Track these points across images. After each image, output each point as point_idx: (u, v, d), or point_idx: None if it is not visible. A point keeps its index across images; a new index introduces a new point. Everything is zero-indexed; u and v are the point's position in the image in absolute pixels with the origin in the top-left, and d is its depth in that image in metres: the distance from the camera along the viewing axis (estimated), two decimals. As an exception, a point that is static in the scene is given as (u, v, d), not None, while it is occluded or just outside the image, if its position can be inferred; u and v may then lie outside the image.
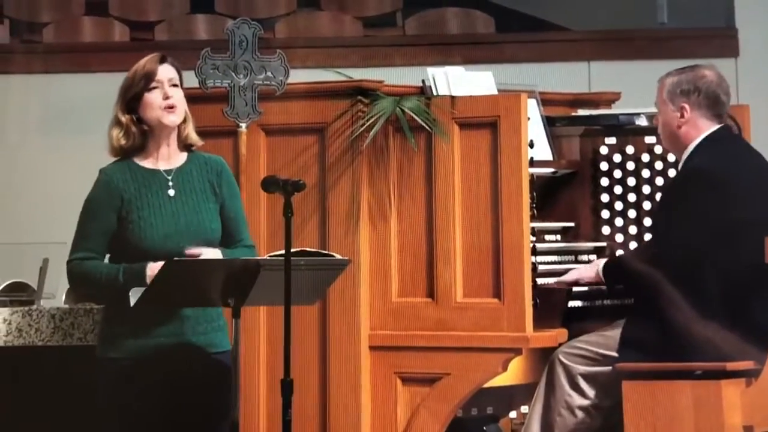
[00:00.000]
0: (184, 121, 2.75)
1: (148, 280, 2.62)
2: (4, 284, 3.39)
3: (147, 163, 2.75)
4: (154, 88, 2.70)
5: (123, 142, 2.72)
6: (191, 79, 3.16)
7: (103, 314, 2.75)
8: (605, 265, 3.20)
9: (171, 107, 2.70)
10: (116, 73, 5.35)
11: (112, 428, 2.66)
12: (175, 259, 2.61)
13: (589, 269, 3.21)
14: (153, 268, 2.63)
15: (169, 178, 2.72)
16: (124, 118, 2.71)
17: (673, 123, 3.16)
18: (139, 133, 2.72)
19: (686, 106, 3.13)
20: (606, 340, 3.16)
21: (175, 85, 2.73)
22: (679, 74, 3.17)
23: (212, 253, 2.66)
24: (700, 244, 3.06)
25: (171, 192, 2.71)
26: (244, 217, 2.80)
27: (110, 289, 2.66)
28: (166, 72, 2.72)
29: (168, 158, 2.74)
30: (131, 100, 2.71)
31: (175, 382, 2.67)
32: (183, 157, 2.77)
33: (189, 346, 2.68)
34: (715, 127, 3.15)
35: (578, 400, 3.14)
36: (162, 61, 2.73)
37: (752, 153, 3.21)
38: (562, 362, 3.16)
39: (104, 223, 2.69)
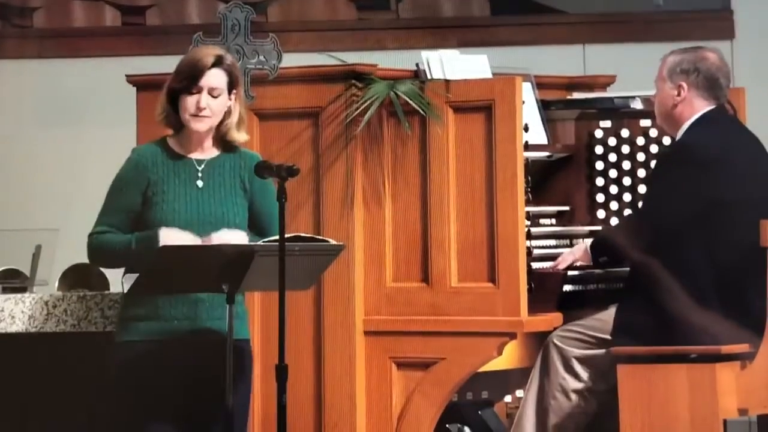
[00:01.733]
0: (228, 117, 2.72)
1: (161, 245, 2.61)
2: (-3, 271, 3.38)
3: (179, 149, 2.74)
4: (194, 93, 2.69)
5: (163, 122, 2.74)
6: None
7: (123, 298, 2.75)
8: (592, 243, 3.19)
9: (200, 117, 2.69)
10: (107, 58, 5.34)
11: (128, 411, 2.65)
12: (166, 245, 2.60)
13: (579, 250, 3.21)
14: (166, 232, 2.63)
15: (200, 168, 2.72)
16: (165, 104, 2.72)
17: (669, 101, 3.15)
18: (176, 121, 2.73)
19: (684, 84, 3.12)
20: (601, 323, 3.16)
21: (215, 96, 2.70)
22: (681, 54, 3.16)
23: (236, 237, 2.64)
24: (682, 218, 3.05)
25: (199, 183, 2.71)
26: (275, 214, 2.76)
27: (125, 259, 2.66)
28: (210, 80, 2.70)
29: (203, 148, 2.74)
30: (173, 91, 2.71)
31: (188, 366, 2.66)
32: (217, 149, 2.76)
33: (203, 329, 2.68)
34: (711, 107, 3.14)
35: (573, 384, 3.14)
36: (216, 64, 2.70)
37: (745, 134, 3.21)
38: (556, 345, 3.16)
39: (128, 201, 2.69)
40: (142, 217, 2.69)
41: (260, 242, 2.67)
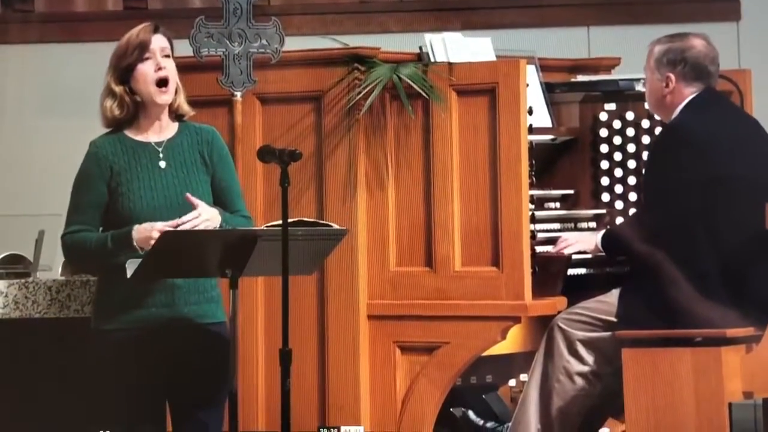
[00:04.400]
0: (176, 92, 2.71)
1: (135, 243, 2.61)
2: (0, 257, 3.38)
3: (138, 136, 2.72)
4: (147, 59, 2.67)
5: (117, 112, 2.70)
6: (185, 48, 3.12)
7: (96, 286, 2.74)
8: (603, 237, 3.18)
9: (164, 81, 2.67)
10: (109, 43, 5.29)
11: (109, 399, 2.66)
12: (170, 230, 2.59)
13: (587, 241, 3.20)
14: (139, 230, 2.62)
15: (160, 150, 2.70)
16: (117, 89, 2.69)
17: (659, 92, 3.15)
18: (132, 103, 2.69)
19: (672, 76, 3.12)
20: (605, 305, 3.15)
21: (167, 56, 2.69)
22: (667, 42, 3.15)
23: (210, 211, 2.63)
24: (687, 203, 3.04)
25: (162, 164, 2.68)
26: (239, 188, 2.77)
27: (102, 258, 2.65)
28: (158, 41, 2.69)
29: (159, 130, 2.71)
30: (124, 70, 2.68)
31: (167, 352, 2.66)
32: (174, 128, 2.74)
33: (180, 316, 2.66)
34: (698, 90, 3.12)
35: (577, 367, 3.14)
36: (155, 30, 2.70)
37: (738, 113, 3.19)
38: (561, 328, 3.16)
39: (95, 195, 2.67)
40: (110, 209, 2.67)
41: (263, 227, 2.66)
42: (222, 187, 2.73)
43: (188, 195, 2.62)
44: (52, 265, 3.38)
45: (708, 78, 3.13)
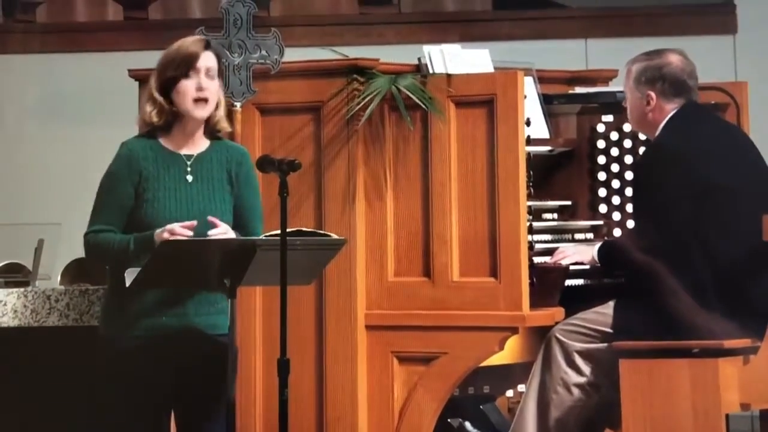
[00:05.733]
0: (216, 107, 2.72)
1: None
2: (0, 265, 3.38)
3: (169, 145, 2.73)
4: (191, 76, 2.68)
5: (155, 119, 2.71)
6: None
7: (106, 293, 2.75)
8: (599, 250, 3.19)
9: (203, 100, 2.68)
10: (110, 53, 5.32)
11: (114, 408, 2.66)
12: (168, 239, 2.60)
13: (585, 252, 3.21)
14: (161, 234, 2.62)
15: (189, 163, 2.71)
16: (158, 97, 2.70)
17: (640, 110, 3.17)
18: (170, 113, 2.70)
19: (652, 94, 3.14)
20: (603, 316, 3.15)
21: (211, 77, 2.70)
22: (644, 60, 3.17)
23: (229, 232, 2.64)
24: (677, 218, 3.06)
25: (189, 178, 2.70)
26: (261, 211, 2.78)
27: (123, 260, 2.65)
28: (206, 60, 2.70)
29: (192, 143, 2.73)
30: (167, 81, 2.69)
31: (176, 362, 2.66)
32: (206, 143, 2.76)
33: (191, 326, 2.67)
34: (679, 105, 3.14)
35: (574, 378, 3.14)
36: (206, 47, 2.70)
37: (720, 124, 3.20)
38: (558, 339, 3.16)
39: (122, 196, 2.68)
40: (132, 213, 2.68)
41: (262, 237, 2.67)
42: (244, 207, 2.74)
43: (211, 218, 2.63)
44: (52, 274, 3.39)
45: (688, 92, 3.15)
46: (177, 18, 5.18)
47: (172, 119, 2.72)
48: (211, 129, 2.75)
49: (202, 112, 2.70)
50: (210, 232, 2.62)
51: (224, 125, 2.75)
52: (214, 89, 2.71)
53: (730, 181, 3.06)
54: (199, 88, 2.68)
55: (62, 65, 4.99)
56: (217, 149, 2.75)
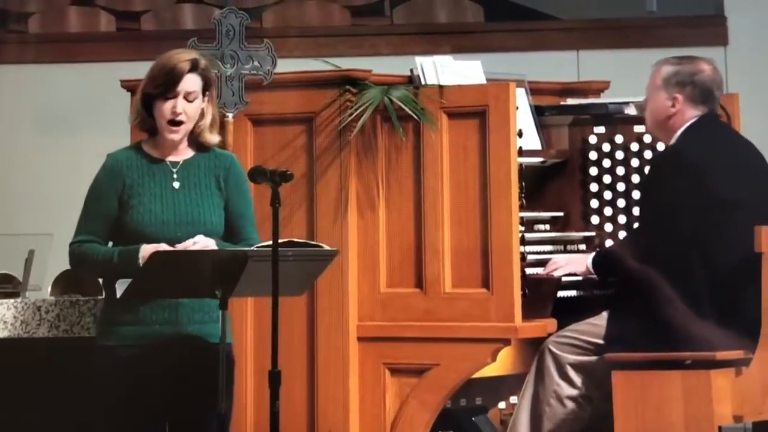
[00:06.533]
0: (201, 118, 2.72)
1: (141, 261, 2.62)
2: (-10, 276, 3.37)
3: (154, 152, 2.75)
4: (170, 98, 2.68)
5: (138, 127, 2.75)
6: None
7: (103, 302, 2.75)
8: (594, 259, 3.20)
9: (177, 123, 2.69)
10: (103, 63, 5.32)
11: (109, 417, 2.65)
12: (161, 250, 2.60)
13: (578, 263, 3.21)
14: (147, 249, 2.63)
15: (175, 170, 2.72)
16: (141, 109, 2.72)
17: (663, 112, 3.17)
18: (151, 124, 2.73)
19: (679, 97, 3.15)
20: (596, 328, 3.15)
21: (191, 100, 2.70)
22: (677, 64, 3.18)
23: (207, 242, 2.65)
24: (684, 226, 3.07)
25: (176, 184, 2.71)
26: (253, 216, 2.78)
27: (107, 271, 2.66)
28: (187, 84, 2.69)
29: (177, 152, 2.74)
30: (148, 96, 2.70)
31: (169, 370, 2.66)
32: (192, 149, 2.76)
33: (184, 334, 2.67)
34: (702, 113, 3.15)
35: (567, 390, 3.14)
36: (192, 69, 2.70)
37: (736, 138, 3.22)
38: (552, 352, 3.16)
39: (106, 206, 2.69)
40: (118, 221, 2.69)
41: (254, 247, 2.67)
42: (235, 214, 2.74)
43: (184, 243, 2.61)
44: (42, 285, 3.38)
45: (712, 102, 3.17)
46: (169, 29, 5.18)
47: (153, 129, 2.73)
48: (195, 140, 2.75)
49: (174, 136, 2.71)
50: (183, 244, 2.61)
51: (208, 136, 2.75)
52: (191, 111, 2.71)
53: (740, 196, 3.08)
54: (174, 113, 2.69)
55: (54, 75, 4.99)
56: (205, 156, 2.76)
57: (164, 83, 2.68)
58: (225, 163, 2.75)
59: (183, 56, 2.71)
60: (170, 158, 2.73)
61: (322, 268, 2.72)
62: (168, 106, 2.69)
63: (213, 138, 2.76)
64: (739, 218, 3.05)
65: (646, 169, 3.43)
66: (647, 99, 3.21)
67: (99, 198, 2.69)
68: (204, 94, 2.73)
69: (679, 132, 3.16)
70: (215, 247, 2.66)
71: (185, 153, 2.75)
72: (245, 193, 2.76)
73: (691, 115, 3.15)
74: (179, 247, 2.63)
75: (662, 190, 3.09)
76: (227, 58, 3.20)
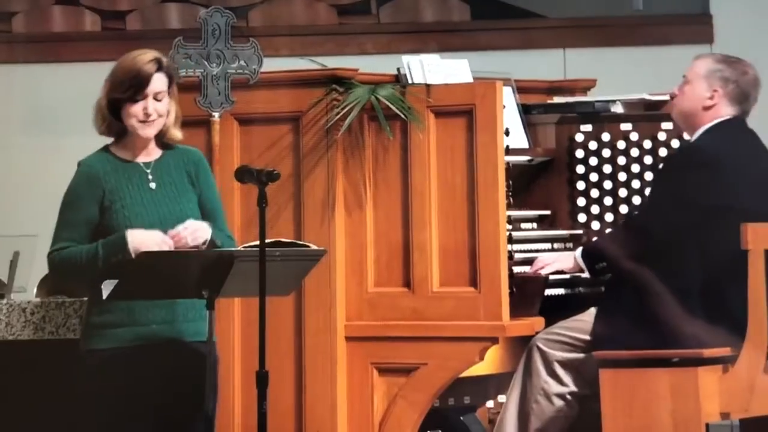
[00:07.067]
0: (167, 116, 2.72)
1: (130, 247, 2.60)
2: (-26, 278, 3.34)
3: (125, 155, 2.74)
4: (139, 100, 2.68)
5: (105, 132, 2.73)
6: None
7: (87, 306, 2.73)
8: (583, 250, 3.19)
9: (150, 121, 2.69)
10: (87, 63, 5.29)
11: (92, 421, 2.63)
12: (147, 250, 2.58)
13: (565, 259, 3.21)
14: (133, 234, 2.62)
15: (148, 171, 2.72)
16: (106, 113, 2.71)
17: (700, 102, 3.16)
18: (119, 127, 2.72)
19: (720, 91, 3.15)
20: (584, 324, 3.16)
21: (160, 99, 2.70)
22: (724, 62, 3.18)
23: (198, 223, 2.64)
24: (681, 221, 3.07)
25: (152, 185, 2.70)
26: (222, 208, 2.79)
27: (93, 269, 2.63)
28: (155, 85, 2.69)
29: (146, 151, 2.73)
30: (115, 101, 2.69)
31: (165, 369, 2.64)
32: (159, 149, 2.76)
33: (180, 333, 2.66)
34: (733, 115, 3.16)
35: (555, 388, 3.14)
36: (158, 69, 2.69)
37: (759, 147, 3.22)
38: (539, 349, 3.16)
39: (86, 213, 2.67)
40: (102, 227, 2.67)
41: (241, 247, 2.66)
42: (208, 208, 2.75)
43: (173, 231, 2.61)
44: (27, 287, 3.35)
45: (747, 106, 3.18)
46: (155, 28, 5.16)
47: (120, 131, 2.73)
48: (160, 139, 2.75)
49: (149, 131, 2.71)
50: (177, 228, 2.60)
51: (173, 133, 2.75)
52: (162, 109, 2.71)
53: (749, 204, 3.08)
54: (146, 114, 2.69)
55: (39, 75, 4.96)
56: (172, 153, 2.75)
57: (132, 87, 2.67)
58: (194, 158, 2.75)
59: (146, 57, 2.70)
60: (141, 159, 2.73)
61: (310, 267, 2.72)
62: (138, 108, 2.68)
63: (178, 134, 2.75)
64: (742, 222, 3.05)
65: (633, 166, 3.44)
66: (683, 86, 3.18)
67: (78, 206, 2.67)
68: (168, 92, 2.72)
69: (705, 127, 3.15)
70: (207, 229, 2.65)
71: (154, 152, 2.75)
72: (214, 187, 2.77)
73: (724, 112, 3.15)
74: (171, 232, 2.61)
75: (672, 182, 3.09)
76: (213, 58, 3.19)
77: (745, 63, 3.20)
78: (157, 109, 2.69)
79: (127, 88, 2.67)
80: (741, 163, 3.12)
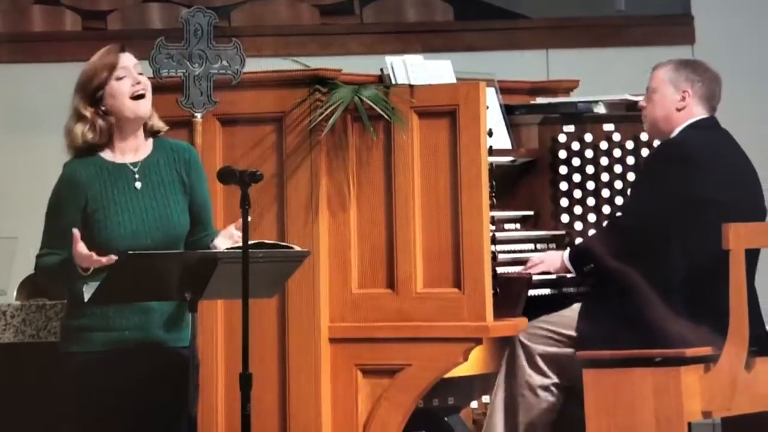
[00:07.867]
0: None
1: (77, 263, 2.56)
2: (-47, 280, 3.31)
3: (113, 157, 2.69)
4: (122, 77, 2.64)
5: (90, 137, 2.64)
6: (145, 69, 3.10)
7: (66, 309, 2.70)
8: (571, 251, 3.21)
9: (140, 96, 2.64)
10: (68, 63, 5.25)
11: (74, 425, 2.61)
12: (130, 252, 2.56)
13: (553, 260, 3.22)
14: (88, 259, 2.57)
15: (135, 170, 2.66)
16: (88, 112, 2.63)
17: (672, 105, 3.20)
18: (106, 125, 2.64)
19: (689, 91, 3.19)
20: (567, 319, 3.17)
21: (140, 72, 2.67)
22: (684, 65, 3.22)
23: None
24: (665, 215, 3.09)
25: (138, 185, 2.65)
26: (210, 205, 2.76)
27: (64, 281, 2.61)
28: (128, 59, 2.67)
29: (135, 150, 2.69)
30: (94, 91, 2.63)
31: (140, 375, 2.63)
32: (149, 146, 2.71)
33: (154, 338, 2.64)
34: (705, 115, 3.19)
35: (539, 380, 3.15)
36: (122, 50, 2.68)
37: (733, 146, 3.24)
38: (522, 343, 3.17)
39: (68, 220, 2.63)
40: (86, 233, 2.62)
41: (224, 249, 2.64)
42: (200, 205, 2.71)
43: None
44: (7, 289, 3.33)
45: (714, 103, 3.21)
46: (136, 28, 5.13)
47: (108, 132, 2.66)
48: (149, 131, 2.71)
49: (143, 109, 2.65)
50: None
51: (159, 124, 2.71)
52: (144, 80, 2.67)
53: (731, 198, 3.10)
54: (136, 82, 2.64)
55: (19, 75, 4.92)
56: (162, 151, 2.71)
57: (106, 68, 2.62)
58: (184, 155, 2.72)
59: (108, 47, 2.67)
60: (130, 159, 2.68)
61: (294, 269, 2.71)
62: (125, 83, 2.63)
63: (160, 123, 2.72)
64: (723, 219, 3.07)
65: (616, 167, 3.45)
66: (650, 96, 3.21)
67: (60, 213, 2.63)
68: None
69: (681, 127, 3.18)
70: None
71: (144, 149, 2.70)
72: (205, 180, 2.73)
73: (696, 112, 3.18)
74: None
75: (655, 177, 3.11)
76: (195, 58, 3.17)
77: (703, 63, 3.24)
78: (143, 80, 2.65)
79: (101, 73, 2.61)
80: (719, 159, 3.15)
